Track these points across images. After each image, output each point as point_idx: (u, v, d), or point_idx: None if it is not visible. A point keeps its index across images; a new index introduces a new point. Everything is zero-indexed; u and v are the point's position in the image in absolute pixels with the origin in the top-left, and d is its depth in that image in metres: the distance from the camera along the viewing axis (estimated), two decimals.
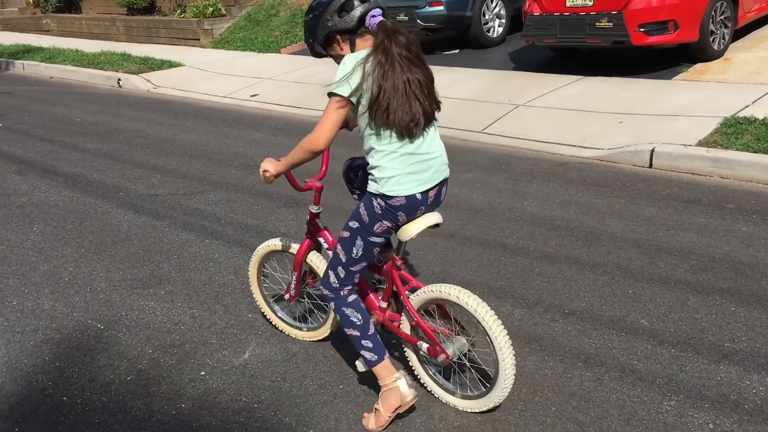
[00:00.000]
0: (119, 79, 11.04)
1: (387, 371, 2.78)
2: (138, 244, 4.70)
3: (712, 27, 7.41)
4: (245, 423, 2.89)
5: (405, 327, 2.91)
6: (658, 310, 3.49)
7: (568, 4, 7.68)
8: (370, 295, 2.99)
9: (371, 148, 2.61)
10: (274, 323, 3.55)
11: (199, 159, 6.68)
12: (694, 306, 3.51)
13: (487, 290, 3.82)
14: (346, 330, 2.81)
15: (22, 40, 15.73)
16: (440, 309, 2.88)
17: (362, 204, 2.70)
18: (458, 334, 2.82)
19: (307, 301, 3.52)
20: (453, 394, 2.91)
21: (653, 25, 7.21)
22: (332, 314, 3.24)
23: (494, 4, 10.11)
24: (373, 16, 2.55)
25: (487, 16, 10.08)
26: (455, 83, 8.60)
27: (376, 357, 2.77)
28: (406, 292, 2.87)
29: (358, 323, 2.78)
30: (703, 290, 3.65)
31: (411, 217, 2.66)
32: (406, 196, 2.59)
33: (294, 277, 3.24)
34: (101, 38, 15.52)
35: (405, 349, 3.03)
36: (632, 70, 7.80)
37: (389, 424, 2.79)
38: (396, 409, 2.76)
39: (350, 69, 2.49)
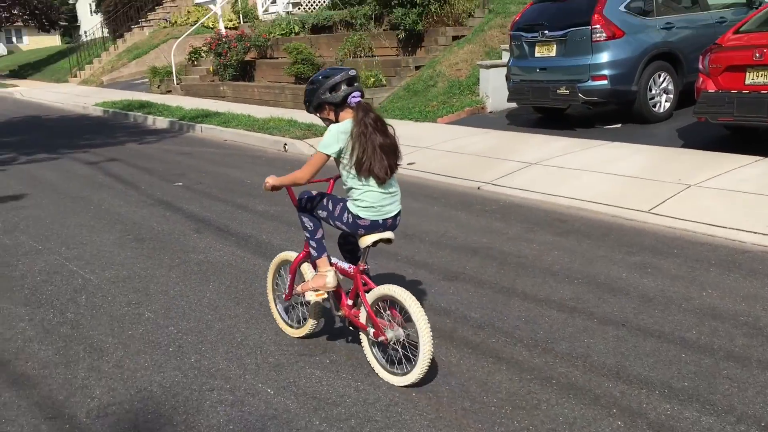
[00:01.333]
0: (285, 144, 11.65)
1: (323, 264, 3.94)
2: None
3: None
4: None
5: (362, 319, 3.85)
6: None
7: (747, 81, 7.25)
8: (342, 295, 3.99)
9: (351, 188, 3.73)
10: (276, 321, 4.52)
11: None
12: None
13: (668, 391, 3.52)
14: (304, 232, 4.01)
15: (201, 105, 17.13)
16: (391, 306, 3.76)
17: (340, 204, 3.80)
18: (399, 327, 3.71)
19: (299, 308, 4.41)
20: (387, 371, 3.78)
21: None
22: (309, 321, 4.23)
23: (662, 78, 9.74)
24: (354, 96, 3.67)
25: (653, 91, 9.72)
26: (617, 159, 8.30)
27: (316, 254, 3.95)
28: (364, 292, 3.83)
29: (309, 228, 3.96)
30: None
31: (369, 233, 3.74)
32: (371, 220, 3.72)
33: (289, 280, 4.27)
34: (270, 104, 16.58)
35: (360, 336, 3.95)
36: None
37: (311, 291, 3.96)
38: (320, 286, 3.92)
39: (334, 137, 3.64)
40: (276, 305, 4.49)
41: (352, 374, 3.88)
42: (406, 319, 3.66)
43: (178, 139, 13.69)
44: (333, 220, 3.84)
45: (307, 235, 3.98)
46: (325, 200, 3.88)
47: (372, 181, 3.64)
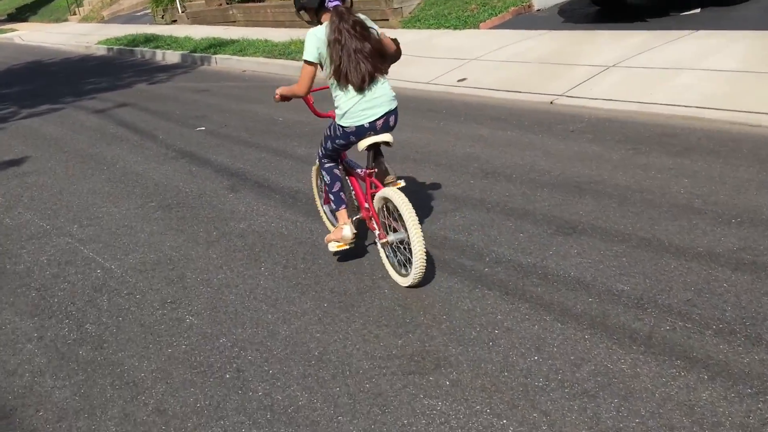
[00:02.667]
0: None
1: (342, 217, 3.93)
2: (390, 296, 3.63)
3: None
4: None
5: (371, 220, 3.88)
6: None
7: None
8: (360, 197, 3.99)
9: (336, 95, 3.62)
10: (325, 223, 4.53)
11: (425, 165, 5.55)
12: None
13: None
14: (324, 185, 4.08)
15: (211, 33, 15.59)
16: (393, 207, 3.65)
17: (331, 124, 3.77)
18: (401, 230, 3.63)
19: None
20: (396, 272, 3.76)
21: None
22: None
23: None
24: (331, 0, 3.55)
25: None
26: (712, 51, 6.84)
27: (335, 206, 3.95)
28: (371, 195, 3.84)
29: (327, 181, 3.94)
30: None
31: (361, 137, 3.66)
32: (356, 126, 3.62)
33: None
34: (286, 26, 15.00)
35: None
36: None
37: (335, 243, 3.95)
38: (337, 239, 3.92)
39: (311, 43, 3.54)
40: (323, 207, 4.53)
41: (488, 404, 2.71)
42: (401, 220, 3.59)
43: (191, 74, 12.30)
44: (332, 141, 3.81)
45: (326, 188, 4.03)
46: (324, 131, 3.89)
47: (350, 88, 3.55)
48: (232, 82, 10.94)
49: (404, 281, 3.66)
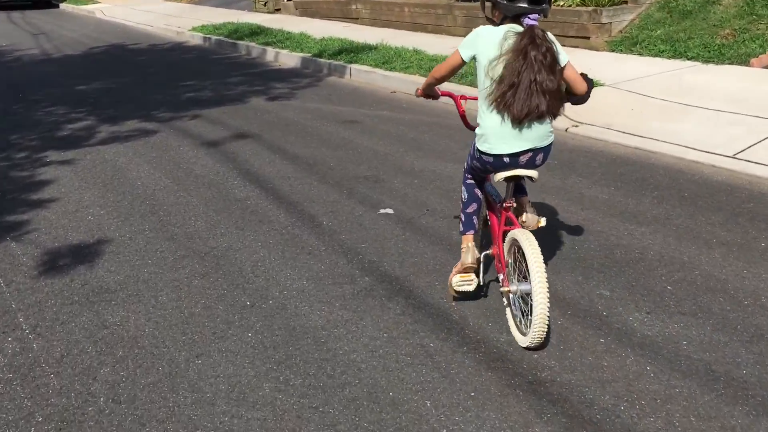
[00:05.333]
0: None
1: (465, 241, 3.41)
2: None
3: None
4: None
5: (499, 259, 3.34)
6: None
7: None
8: (495, 231, 3.42)
9: (482, 109, 3.10)
10: None
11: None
12: None
13: None
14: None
15: (331, 31, 12.44)
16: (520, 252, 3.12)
17: (473, 142, 3.26)
18: (525, 280, 3.06)
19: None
20: (516, 327, 3.16)
21: None
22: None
23: None
24: (530, 18, 2.94)
25: None
26: None
27: (463, 229, 3.46)
28: (504, 232, 3.29)
29: (464, 199, 3.47)
30: None
31: (498, 170, 3.14)
32: (493, 155, 3.10)
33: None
34: (429, 30, 11.76)
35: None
36: None
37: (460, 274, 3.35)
38: (458, 266, 3.38)
39: (472, 39, 3.09)
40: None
41: None
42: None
43: (320, 88, 9.14)
44: (472, 159, 3.33)
45: (461, 204, 3.49)
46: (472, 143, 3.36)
47: (504, 115, 2.99)
48: (387, 109, 7.74)
49: (522, 341, 3.08)
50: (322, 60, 10.32)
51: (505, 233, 3.25)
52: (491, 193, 3.54)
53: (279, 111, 7.93)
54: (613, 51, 8.81)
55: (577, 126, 6.48)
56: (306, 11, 15.48)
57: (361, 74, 9.44)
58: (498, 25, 3.04)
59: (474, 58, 3.06)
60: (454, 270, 3.39)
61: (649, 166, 5.45)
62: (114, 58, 12.81)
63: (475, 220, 3.44)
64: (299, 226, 4.61)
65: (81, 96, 9.25)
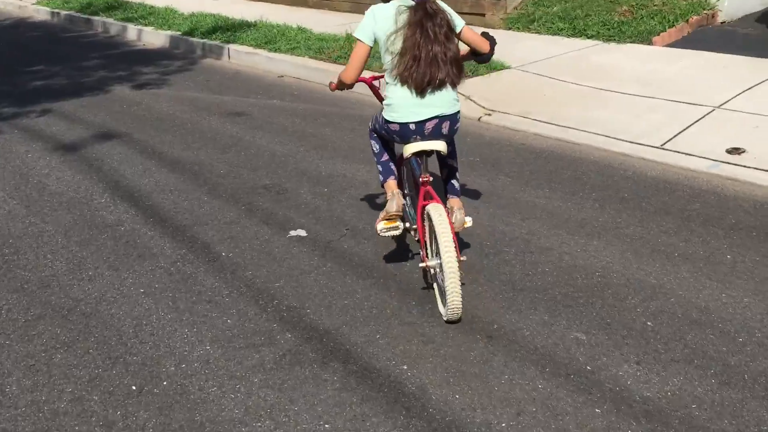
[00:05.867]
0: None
1: (388, 189, 3.32)
2: None
3: None
4: None
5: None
6: None
7: None
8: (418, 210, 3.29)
9: (388, 82, 3.11)
10: None
11: None
12: None
13: None
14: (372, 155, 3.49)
15: (204, 6, 11.14)
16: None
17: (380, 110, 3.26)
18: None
19: None
20: (440, 297, 3.12)
21: None
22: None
23: None
24: None
25: None
26: None
27: (382, 178, 3.38)
28: (423, 206, 3.18)
29: (375, 151, 3.42)
30: None
31: (404, 141, 3.13)
32: (400, 123, 3.09)
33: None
34: (310, 5, 10.77)
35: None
36: None
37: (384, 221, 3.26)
38: (383, 214, 3.27)
39: (370, 20, 3.07)
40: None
41: None
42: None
43: (195, 72, 7.99)
44: (379, 125, 3.30)
45: (375, 158, 3.46)
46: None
47: (406, 87, 3.04)
48: (277, 97, 6.79)
49: (443, 313, 3.05)
50: (194, 39, 9.10)
51: (423, 208, 3.19)
52: (416, 168, 3.49)
53: (149, 102, 6.77)
54: (509, 29, 8.31)
55: (490, 114, 5.88)
56: None
57: (241, 56, 8.37)
58: (388, 1, 3.07)
59: (375, 38, 3.07)
60: (380, 216, 3.34)
61: (578, 161, 4.94)
62: None
63: (392, 166, 3.41)
64: (191, 260, 3.68)
65: None
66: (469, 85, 6.40)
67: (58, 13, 12.13)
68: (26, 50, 9.54)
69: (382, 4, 3.08)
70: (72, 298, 3.34)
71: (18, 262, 3.70)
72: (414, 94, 3.01)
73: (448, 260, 2.86)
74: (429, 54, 2.94)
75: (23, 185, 4.73)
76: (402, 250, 3.71)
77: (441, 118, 3.07)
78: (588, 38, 7.54)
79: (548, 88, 6.28)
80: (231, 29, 9.20)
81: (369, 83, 3.51)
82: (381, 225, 3.27)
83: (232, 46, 8.54)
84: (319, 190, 4.56)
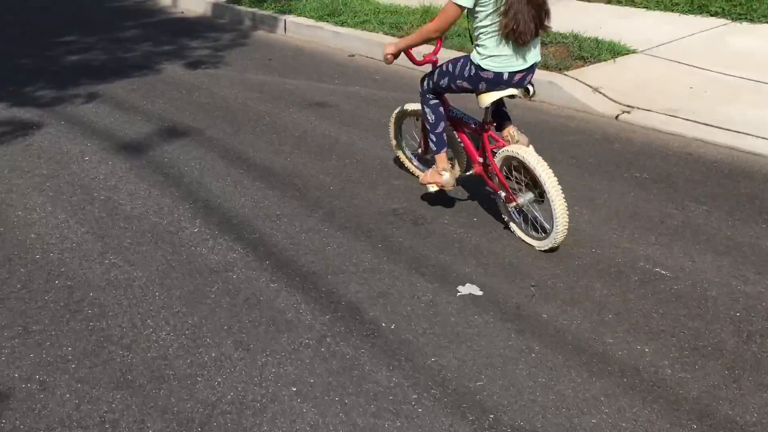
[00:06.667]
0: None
1: (441, 161, 3.44)
2: None
3: None
4: None
5: (494, 180, 3.38)
6: None
7: None
8: (473, 151, 3.47)
9: (485, 34, 3.03)
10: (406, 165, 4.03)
11: None
12: None
13: None
14: (424, 122, 3.49)
15: None
16: (517, 167, 3.25)
17: (461, 60, 3.21)
18: (528, 189, 3.24)
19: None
20: (525, 233, 3.31)
21: None
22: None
23: None
24: None
25: None
26: None
27: (435, 148, 3.45)
28: (492, 152, 3.32)
29: (431, 120, 3.42)
30: None
31: (493, 88, 3.15)
32: (494, 72, 3.09)
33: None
34: None
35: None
36: None
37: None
38: (437, 182, 3.46)
39: None
40: (405, 153, 4.06)
41: None
42: (533, 181, 3.16)
43: (251, 48, 6.87)
44: (454, 81, 3.25)
45: (428, 127, 3.46)
46: (443, 66, 3.31)
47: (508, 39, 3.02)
48: (357, 83, 5.70)
49: (543, 244, 3.22)
50: (241, 7, 7.95)
51: (494, 152, 3.30)
52: (459, 115, 3.52)
53: (210, 86, 5.70)
54: (609, 2, 7.22)
55: (629, 111, 4.85)
56: None
57: (301, 29, 7.24)
58: None
59: (476, 3, 2.99)
60: (428, 178, 3.51)
61: None
62: None
63: (446, 138, 3.47)
64: (343, 334, 2.67)
65: None
66: (592, 73, 5.37)
67: None
68: (51, 15, 8.35)
69: None
70: (201, 402, 2.36)
71: (109, 333, 2.71)
72: (514, 47, 3.04)
73: (554, 186, 3.03)
74: (531, 9, 2.97)
75: (88, 204, 3.71)
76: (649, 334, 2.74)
77: (529, 69, 3.14)
78: (711, 16, 6.47)
79: (690, 79, 5.24)
80: None
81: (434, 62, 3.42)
82: (433, 188, 3.49)
83: (289, 18, 7.41)
84: (466, 219, 3.56)
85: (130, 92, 5.54)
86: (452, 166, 3.59)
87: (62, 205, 3.71)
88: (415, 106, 3.73)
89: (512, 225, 3.37)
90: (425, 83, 3.43)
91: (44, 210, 3.65)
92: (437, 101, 3.42)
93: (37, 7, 8.93)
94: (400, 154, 4.07)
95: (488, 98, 3.17)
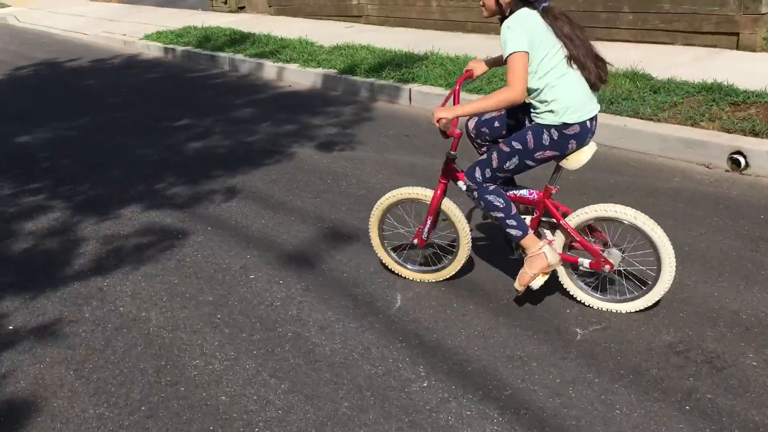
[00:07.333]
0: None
1: (532, 242, 2.98)
2: None
3: None
4: None
5: (558, 248, 3.01)
6: None
7: None
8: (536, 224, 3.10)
9: (540, 89, 2.73)
10: (396, 270, 3.47)
11: None
12: None
13: None
14: (492, 214, 2.99)
15: (337, 34, 9.44)
16: (590, 228, 3.01)
17: (529, 132, 2.82)
18: (611, 247, 2.97)
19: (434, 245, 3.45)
20: (612, 301, 3.03)
21: None
22: (458, 256, 3.26)
23: None
24: (544, 1, 2.76)
25: None
26: None
27: (521, 233, 2.98)
28: (563, 216, 2.99)
29: (501, 206, 2.96)
30: None
31: (582, 143, 2.81)
32: (580, 123, 2.75)
33: (429, 222, 3.27)
34: (468, 29, 8.95)
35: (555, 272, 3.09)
36: None
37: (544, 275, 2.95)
38: (543, 268, 2.94)
39: (521, 30, 2.66)
40: (389, 254, 3.49)
41: None
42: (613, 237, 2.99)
43: (380, 122, 6.20)
44: (531, 156, 2.85)
45: (501, 215, 2.97)
46: (502, 146, 2.92)
47: (579, 73, 2.75)
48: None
49: (639, 304, 2.96)
50: (357, 78, 7.37)
51: (564, 215, 2.99)
52: (512, 190, 3.10)
53: (355, 172, 5.02)
54: None
55: None
56: (284, 9, 12.29)
57: (429, 99, 6.57)
58: (509, 13, 2.76)
59: (530, 44, 2.72)
60: (527, 274, 2.98)
61: None
62: (52, 82, 9.36)
63: (525, 220, 3.03)
64: None
65: (22, 156, 5.97)
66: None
67: (172, 49, 10.61)
68: (156, 97, 7.94)
69: (519, 14, 2.73)
70: None
71: None
72: (586, 85, 2.77)
73: (664, 240, 2.80)
74: (581, 46, 2.74)
75: (277, 347, 2.97)
76: None
77: (596, 116, 2.87)
78: None
79: None
80: (398, 64, 7.44)
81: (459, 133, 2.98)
82: (539, 281, 2.99)
83: (414, 87, 6.77)
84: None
85: (270, 184, 4.90)
86: (539, 237, 3.08)
87: (246, 348, 2.98)
88: (410, 191, 3.30)
89: (581, 295, 3.08)
90: (477, 173, 2.97)
91: (226, 356, 2.93)
92: (495, 185, 3.02)
93: (135, 86, 8.59)
94: (384, 256, 3.51)
95: (583, 156, 2.84)
